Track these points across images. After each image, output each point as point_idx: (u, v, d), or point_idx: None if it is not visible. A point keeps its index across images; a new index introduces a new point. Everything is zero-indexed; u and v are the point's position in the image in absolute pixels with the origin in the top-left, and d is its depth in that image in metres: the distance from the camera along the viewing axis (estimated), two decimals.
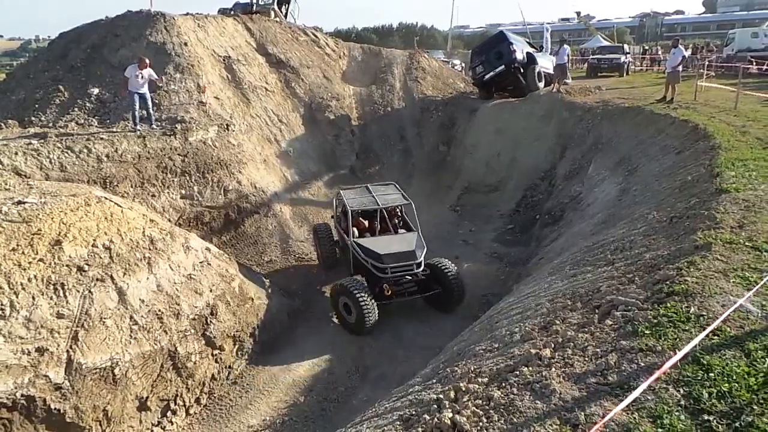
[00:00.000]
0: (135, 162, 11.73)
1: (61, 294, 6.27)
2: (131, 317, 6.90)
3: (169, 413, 7.29)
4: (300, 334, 9.42)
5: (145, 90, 12.26)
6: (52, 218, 6.57)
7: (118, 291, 6.82)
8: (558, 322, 3.71)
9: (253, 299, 8.90)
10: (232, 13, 21.13)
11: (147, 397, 7.00)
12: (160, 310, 7.25)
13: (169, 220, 11.89)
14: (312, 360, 8.69)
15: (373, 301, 9.22)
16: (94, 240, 6.81)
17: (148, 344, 7.04)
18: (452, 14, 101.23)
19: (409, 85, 19.42)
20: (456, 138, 17.35)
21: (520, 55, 18.15)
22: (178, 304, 7.54)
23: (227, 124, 13.81)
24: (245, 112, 15.38)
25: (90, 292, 6.51)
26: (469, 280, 10.99)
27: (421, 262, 9.95)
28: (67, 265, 6.42)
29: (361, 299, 9.04)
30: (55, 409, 6.04)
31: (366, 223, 11.22)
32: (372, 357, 8.74)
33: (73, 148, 11.01)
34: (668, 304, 3.18)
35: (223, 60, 16.05)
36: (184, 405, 7.49)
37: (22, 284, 5.98)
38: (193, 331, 7.68)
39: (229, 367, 8.24)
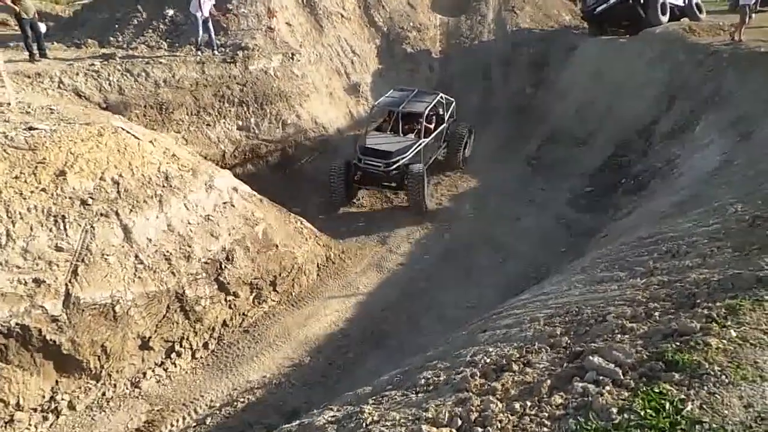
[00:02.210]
0: (192, 89, 11.52)
1: (62, 227, 6.16)
2: (136, 256, 6.72)
3: (173, 355, 7.22)
4: (327, 288, 8.94)
5: (204, 12, 11.81)
6: (60, 147, 6.39)
7: (123, 228, 6.62)
8: (518, 367, 2.69)
9: (278, 246, 8.48)
10: None
11: (150, 337, 6.93)
12: (168, 251, 7.01)
13: (224, 152, 11.79)
14: (330, 317, 8.21)
15: (341, 181, 11.16)
16: (103, 173, 6.60)
17: (153, 284, 6.87)
18: None
19: (503, 16, 17.30)
20: (547, 80, 15.30)
21: None
22: (190, 246, 7.26)
23: (292, 54, 13.12)
24: (316, 40, 14.54)
25: (92, 226, 6.35)
26: (525, 249, 9.80)
27: (390, 162, 10.87)
28: (69, 198, 6.27)
29: (330, 178, 11.25)
30: (51, 340, 6.08)
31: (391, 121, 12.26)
32: (393, 323, 8.07)
33: (132, 72, 10.97)
34: (657, 388, 2.04)
35: None
36: (191, 348, 7.37)
37: (20, 213, 5.90)
38: (205, 274, 7.43)
39: (244, 314, 7.99)
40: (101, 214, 6.46)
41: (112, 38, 13.20)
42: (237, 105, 12.00)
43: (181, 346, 7.32)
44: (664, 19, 15.33)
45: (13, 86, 7.70)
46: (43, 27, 11.25)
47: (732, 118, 9.51)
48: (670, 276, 3.61)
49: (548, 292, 4.43)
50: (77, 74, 10.40)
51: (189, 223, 7.35)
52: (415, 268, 9.51)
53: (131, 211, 6.71)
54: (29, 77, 9.90)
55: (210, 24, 12.05)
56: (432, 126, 12.26)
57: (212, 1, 11.91)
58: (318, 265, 9.29)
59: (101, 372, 6.62)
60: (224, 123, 11.85)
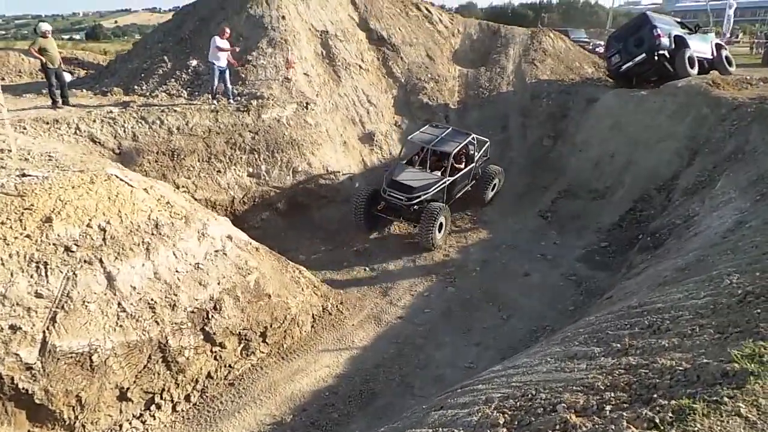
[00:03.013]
0: (205, 136, 11.74)
1: (43, 273, 6.14)
2: (119, 304, 6.63)
3: (153, 407, 7.01)
4: (321, 341, 8.65)
5: (222, 62, 12.18)
6: (49, 194, 6.47)
7: (107, 275, 6.56)
8: None
9: (270, 296, 8.29)
10: None
11: (128, 388, 6.74)
12: (153, 299, 6.90)
13: (233, 198, 11.86)
14: (320, 373, 7.89)
15: (363, 205, 11.82)
16: (90, 220, 6.61)
17: (135, 333, 6.74)
18: None
19: (523, 68, 17.30)
20: (566, 131, 15.04)
21: (666, 41, 15.07)
22: (176, 295, 7.15)
23: (307, 103, 13.31)
24: (333, 90, 14.78)
25: (74, 273, 6.32)
26: (531, 306, 9.35)
27: (412, 197, 11.42)
28: (54, 244, 6.28)
29: (354, 199, 12.08)
30: (23, 388, 5.96)
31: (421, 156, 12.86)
32: (384, 383, 7.69)
33: (147, 119, 11.28)
34: None
35: (320, 35, 15.54)
36: (172, 400, 7.15)
37: (1, 259, 5.92)
38: (190, 324, 7.27)
39: (230, 366, 7.76)
40: (85, 261, 6.43)
41: (136, 87, 13.72)
42: (248, 152, 12.16)
43: (161, 398, 7.10)
44: (694, 71, 15.08)
45: (13, 134, 7.93)
46: (68, 76, 11.80)
47: (753, 176, 9.03)
48: (641, 358, 3.23)
49: (519, 366, 4.07)
50: (94, 121, 10.76)
51: (177, 271, 7.27)
52: (415, 322, 9.16)
53: (116, 258, 6.67)
54: (47, 123, 10.29)
55: (227, 74, 12.39)
56: (461, 165, 12.75)
57: (228, 50, 12.25)
58: (313, 316, 9.04)
59: (75, 423, 6.44)
60: (235, 170, 11.98)
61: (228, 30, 12.44)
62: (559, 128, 15.18)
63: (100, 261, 6.55)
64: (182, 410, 7.20)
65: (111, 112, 11.17)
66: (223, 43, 12.03)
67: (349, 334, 8.85)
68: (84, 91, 13.82)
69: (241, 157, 12.06)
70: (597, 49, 25.39)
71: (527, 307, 9.32)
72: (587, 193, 13.16)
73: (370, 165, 14.08)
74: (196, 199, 11.42)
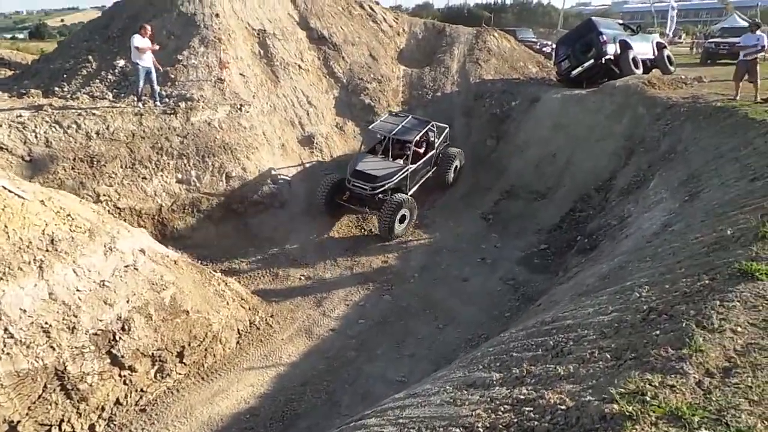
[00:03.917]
0: (128, 141, 11.03)
1: None
2: (5, 329, 5.97)
3: None
4: (246, 358, 8.16)
5: (147, 62, 11.49)
6: None
7: None
8: None
9: (189, 312, 7.74)
10: None
11: (19, 421, 6.10)
12: (47, 323, 6.27)
13: (160, 206, 11.20)
14: (242, 393, 7.41)
15: (326, 193, 11.99)
16: None
17: (25, 361, 6.09)
18: None
19: (467, 68, 17.17)
20: (508, 132, 14.96)
21: (612, 48, 15.44)
22: (77, 316, 6.53)
23: (241, 105, 12.73)
24: (271, 91, 14.23)
25: None
26: (468, 314, 9.11)
27: (376, 186, 11.51)
28: None
29: (319, 187, 12.16)
30: None
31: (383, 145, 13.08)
32: (309, 401, 7.27)
33: (61, 123, 10.50)
34: None
35: (258, 34, 14.97)
36: (73, 431, 6.53)
37: None
38: (93, 348, 6.66)
39: (142, 390, 7.18)
40: None
41: (57, 88, 12.83)
42: (176, 157, 11.49)
43: (59, 429, 6.47)
44: (639, 71, 15.49)
45: None
46: None
47: (683, 176, 9.07)
48: (534, 389, 2.93)
49: (417, 394, 3.73)
50: (1, 125, 9.91)
51: (78, 290, 6.65)
52: (347, 334, 8.77)
53: (1, 279, 6.02)
54: None
55: (153, 75, 11.69)
56: (422, 151, 12.94)
57: (149, 49, 11.54)
58: (239, 332, 8.53)
59: None
60: (162, 176, 11.30)
61: (149, 27, 11.73)
62: (502, 129, 15.10)
63: None
64: None
65: (20, 115, 10.33)
66: (143, 42, 11.33)
67: (277, 350, 8.38)
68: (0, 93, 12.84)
69: (168, 163, 11.39)
70: (544, 49, 25.66)
71: (464, 315, 9.07)
72: (529, 194, 13.08)
73: (309, 168, 13.60)
74: (119, 208, 10.77)
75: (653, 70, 16.63)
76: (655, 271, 4.58)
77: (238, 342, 8.43)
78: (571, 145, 13.37)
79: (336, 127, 14.79)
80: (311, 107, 14.63)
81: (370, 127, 13.44)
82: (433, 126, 13.32)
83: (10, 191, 6.58)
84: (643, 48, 16.63)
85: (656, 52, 17.06)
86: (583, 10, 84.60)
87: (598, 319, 3.79)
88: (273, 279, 10.58)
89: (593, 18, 17.12)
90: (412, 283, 10.18)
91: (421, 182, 13.10)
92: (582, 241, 10.16)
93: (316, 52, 15.86)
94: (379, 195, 11.66)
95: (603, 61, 15.41)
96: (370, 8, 18.60)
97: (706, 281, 3.69)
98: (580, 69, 15.70)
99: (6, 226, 6.25)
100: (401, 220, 11.73)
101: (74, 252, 6.75)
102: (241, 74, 13.86)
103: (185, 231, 11.46)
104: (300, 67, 15.12)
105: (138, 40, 11.23)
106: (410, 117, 13.33)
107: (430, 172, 13.54)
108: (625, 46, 15.74)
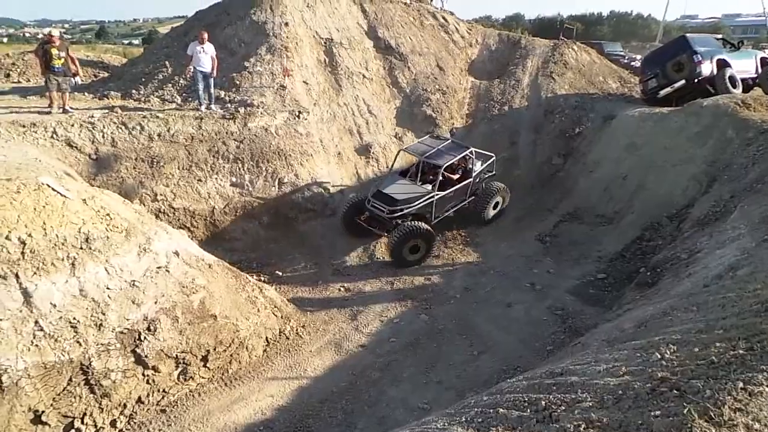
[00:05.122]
0: (187, 143, 11.45)
1: None
2: (36, 322, 6.24)
3: (72, 431, 6.59)
4: (271, 367, 8.07)
5: (206, 67, 11.89)
6: None
7: (23, 291, 6.19)
8: None
9: (216, 317, 7.78)
10: None
11: (44, 411, 6.34)
12: (75, 318, 6.50)
13: (213, 208, 11.50)
14: (260, 403, 7.30)
15: (346, 212, 11.71)
16: (9, 232, 6.27)
17: (53, 354, 6.34)
18: (667, 1, 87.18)
19: (539, 82, 16.36)
20: (577, 150, 14.01)
21: (707, 67, 14.20)
22: (104, 314, 6.72)
23: (299, 112, 12.85)
24: (332, 99, 14.29)
25: None
26: (506, 342, 8.51)
27: (394, 209, 10.96)
28: None
29: (344, 208, 11.84)
30: None
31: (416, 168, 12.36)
32: (324, 420, 7.01)
33: (127, 124, 11.07)
34: None
35: (324, 42, 15.12)
36: (95, 425, 6.70)
37: None
38: (118, 345, 6.83)
39: (164, 391, 7.27)
40: None
41: (134, 91, 13.61)
42: (232, 161, 11.78)
43: (82, 422, 6.66)
44: (737, 91, 14.06)
45: None
46: (75, 81, 11.64)
47: (766, 212, 7.94)
48: None
49: None
50: (72, 125, 10.60)
51: (108, 288, 6.85)
52: (376, 352, 8.45)
53: (34, 273, 6.30)
54: (24, 126, 10.18)
55: (210, 79, 12.10)
56: (455, 178, 12.09)
57: (212, 54, 11.97)
58: (267, 340, 8.47)
59: None
60: (216, 179, 11.62)
61: (206, 34, 12.15)
62: (571, 146, 14.17)
63: (16, 276, 6.17)
64: None
65: (92, 116, 11.01)
66: (200, 48, 11.74)
67: (303, 362, 8.23)
68: (86, 94, 13.82)
69: (223, 166, 11.70)
70: (632, 63, 24.06)
71: (502, 343, 8.46)
72: (593, 218, 12.12)
73: (364, 178, 13.48)
74: (173, 208, 11.18)
75: (755, 89, 15.05)
76: (693, 326, 3.90)
77: (264, 350, 8.37)
78: (644, 167, 12.26)
79: (395, 137, 14.57)
80: (371, 116, 14.53)
81: (404, 148, 12.84)
82: (471, 152, 12.22)
83: (53, 189, 6.92)
84: (743, 65, 15.16)
85: (760, 69, 15.43)
86: (688, 22, 79.08)
87: (605, 382, 3.23)
88: (312, 288, 10.49)
89: (687, 35, 15.75)
90: (452, 304, 9.68)
91: (450, 212, 12.20)
92: (644, 274, 9.17)
93: (382, 62, 15.76)
94: (397, 220, 11.01)
95: (696, 81, 14.16)
96: (443, 18, 18.28)
97: (741, 350, 3.03)
98: (669, 89, 14.51)
99: (44, 223, 6.54)
100: (413, 250, 10.96)
101: (108, 251, 6.96)
102: (304, 82, 14.03)
103: (235, 233, 11.70)
104: (364, 76, 15.08)
105: (196, 47, 11.66)
106: (449, 141, 12.36)
107: (464, 203, 12.50)
108: (723, 64, 14.39)
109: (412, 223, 10.88)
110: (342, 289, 10.42)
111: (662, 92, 14.70)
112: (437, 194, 11.42)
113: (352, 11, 16.34)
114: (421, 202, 11.21)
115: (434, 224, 11.63)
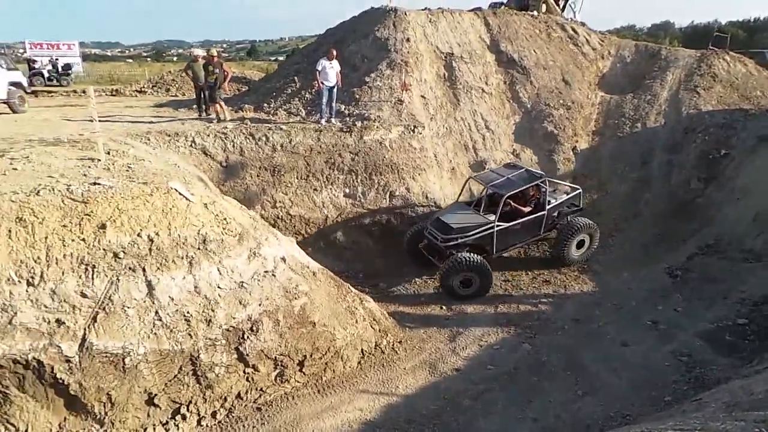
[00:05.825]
0: (306, 154, 12.05)
1: (90, 275, 6.63)
2: (156, 312, 6.90)
3: (178, 417, 7.15)
4: (364, 380, 8.10)
5: (332, 82, 12.45)
6: (109, 202, 7.01)
7: (148, 284, 6.88)
8: None
9: (315, 324, 8.02)
10: (503, 7, 19.91)
11: (157, 394, 6.97)
12: (189, 312, 7.08)
13: (326, 216, 11.96)
14: (348, 415, 7.35)
15: (409, 239, 11.38)
16: (141, 230, 7.01)
17: (168, 343, 6.96)
18: None
19: (680, 96, 14.81)
20: (722, 174, 12.38)
21: None
22: (214, 311, 7.24)
23: (414, 126, 12.94)
24: (449, 113, 14.21)
25: (118, 278, 6.73)
26: (616, 386, 7.69)
27: (448, 238, 10.46)
28: (104, 249, 6.76)
29: (407, 235, 11.46)
30: (60, 379, 6.48)
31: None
32: None
33: (254, 135, 11.95)
34: None
35: (445, 57, 15.11)
36: (198, 414, 7.23)
37: (57, 258, 6.53)
38: (224, 342, 7.31)
39: (262, 390, 7.63)
40: (129, 268, 6.82)
41: (265, 104, 14.69)
42: (346, 173, 12.18)
43: (187, 409, 7.22)
44: None
45: (103, 146, 8.83)
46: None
47: None
48: None
49: None
50: (208, 135, 11.69)
51: (219, 287, 7.38)
52: (471, 378, 8.11)
53: (158, 268, 6.97)
54: (169, 136, 11.43)
55: (334, 93, 12.63)
56: (525, 210, 11.17)
57: (338, 70, 12.52)
58: (362, 352, 8.53)
59: (104, 418, 6.82)
60: (331, 189, 12.08)
61: (335, 51, 12.70)
62: (715, 170, 12.57)
63: (143, 269, 6.89)
64: (207, 425, 7.24)
65: (226, 127, 12.04)
66: (329, 64, 12.32)
67: (395, 378, 8.17)
68: (226, 107, 15.21)
69: (338, 177, 12.13)
70: None
71: (612, 386, 7.65)
72: (738, 253, 10.60)
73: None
74: (290, 215, 11.81)
75: None
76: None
77: (359, 362, 8.44)
78: None
79: (512, 154, 14.07)
80: (488, 132, 14.19)
81: (474, 176, 12.28)
82: (544, 182, 11.19)
83: (180, 193, 7.63)
84: None
85: None
86: None
87: None
88: (414, 303, 10.43)
89: None
90: (559, 335, 9.01)
91: (517, 246, 11.45)
92: None
93: (503, 76, 15.35)
94: (452, 249, 10.42)
95: None
96: (573, 30, 17.36)
97: None
98: None
99: (170, 224, 7.23)
100: (465, 284, 10.32)
101: (221, 252, 7.51)
102: (422, 96, 14.12)
103: (346, 243, 12.05)
104: (483, 90, 14.81)
105: (324, 62, 12.26)
106: (523, 170, 11.47)
107: (537, 237, 11.53)
108: None
109: (464, 254, 10.28)
110: (444, 307, 10.23)
111: None
112: (498, 225, 10.64)
113: (475, 25, 16.15)
114: (478, 232, 10.55)
115: (495, 258, 10.91)
